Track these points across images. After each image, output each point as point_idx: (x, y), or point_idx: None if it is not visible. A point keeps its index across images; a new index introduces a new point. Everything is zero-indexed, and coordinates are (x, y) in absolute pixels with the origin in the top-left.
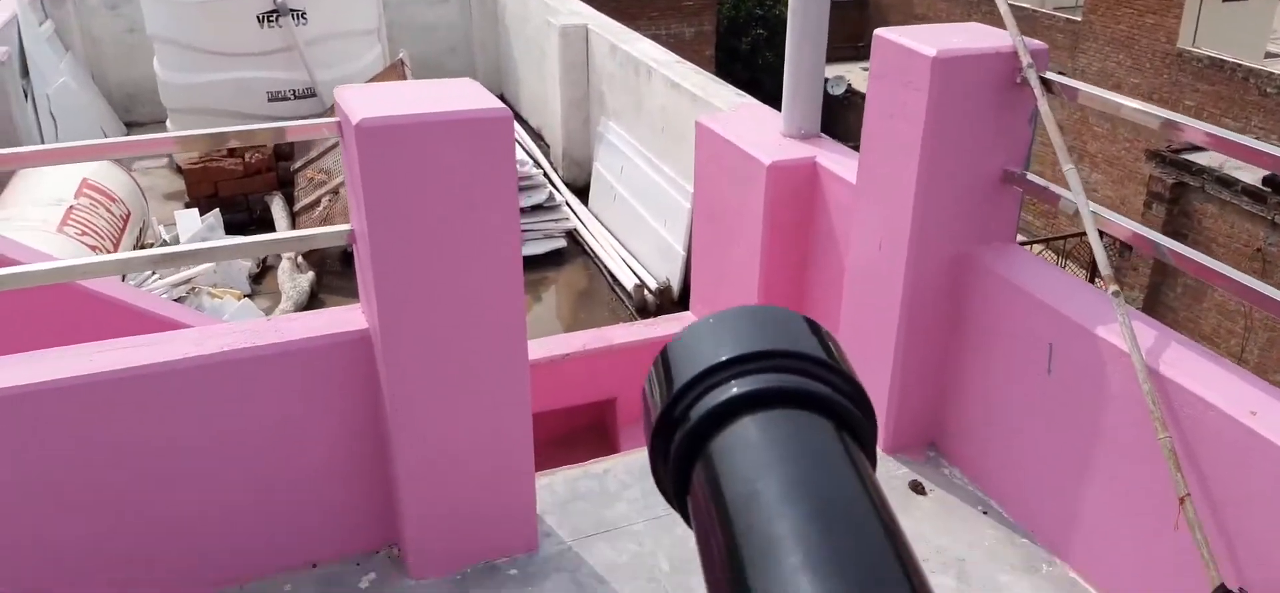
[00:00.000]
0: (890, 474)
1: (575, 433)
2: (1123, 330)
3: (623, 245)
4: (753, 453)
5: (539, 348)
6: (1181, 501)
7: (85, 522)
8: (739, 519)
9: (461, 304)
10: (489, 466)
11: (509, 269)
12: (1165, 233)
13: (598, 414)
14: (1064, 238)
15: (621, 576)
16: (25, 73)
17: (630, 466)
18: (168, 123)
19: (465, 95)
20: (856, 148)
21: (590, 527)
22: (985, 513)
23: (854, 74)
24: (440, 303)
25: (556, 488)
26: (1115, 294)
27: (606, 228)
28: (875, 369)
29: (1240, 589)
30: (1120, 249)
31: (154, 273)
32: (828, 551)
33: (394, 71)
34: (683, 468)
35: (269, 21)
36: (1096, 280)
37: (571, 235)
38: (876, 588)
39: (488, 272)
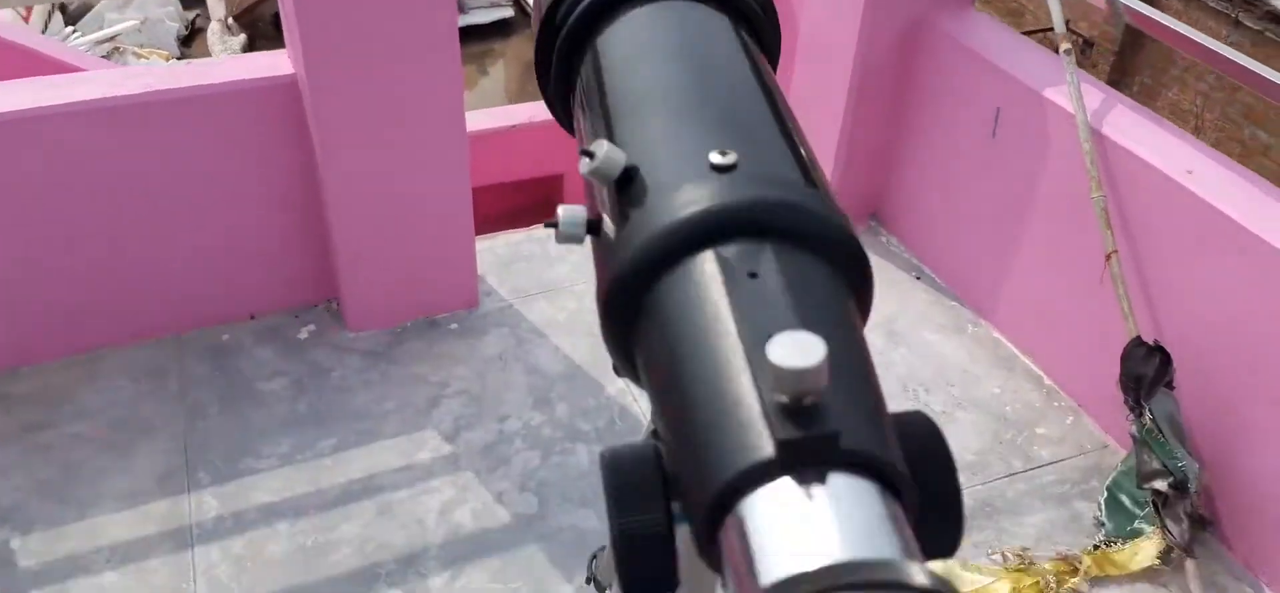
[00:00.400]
0: None
1: (520, 209)
2: (1070, 91)
3: None
4: (637, 34)
5: (484, 119)
6: (1108, 256)
7: (13, 267)
8: (616, 86)
9: (389, 47)
10: (427, 221)
11: (440, 11)
12: (1130, 27)
13: (544, 190)
14: (1030, 33)
15: (560, 330)
16: None
17: None
18: None
19: None
20: None
21: (531, 286)
22: (918, 279)
23: None
24: (366, 45)
25: (498, 250)
26: (1066, 52)
27: None
28: (822, 139)
29: (1155, 341)
30: (1082, 45)
31: (75, 29)
32: (707, 107)
33: None
34: (567, 69)
35: None
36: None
37: (519, 4)
38: (751, 139)
39: (416, 12)
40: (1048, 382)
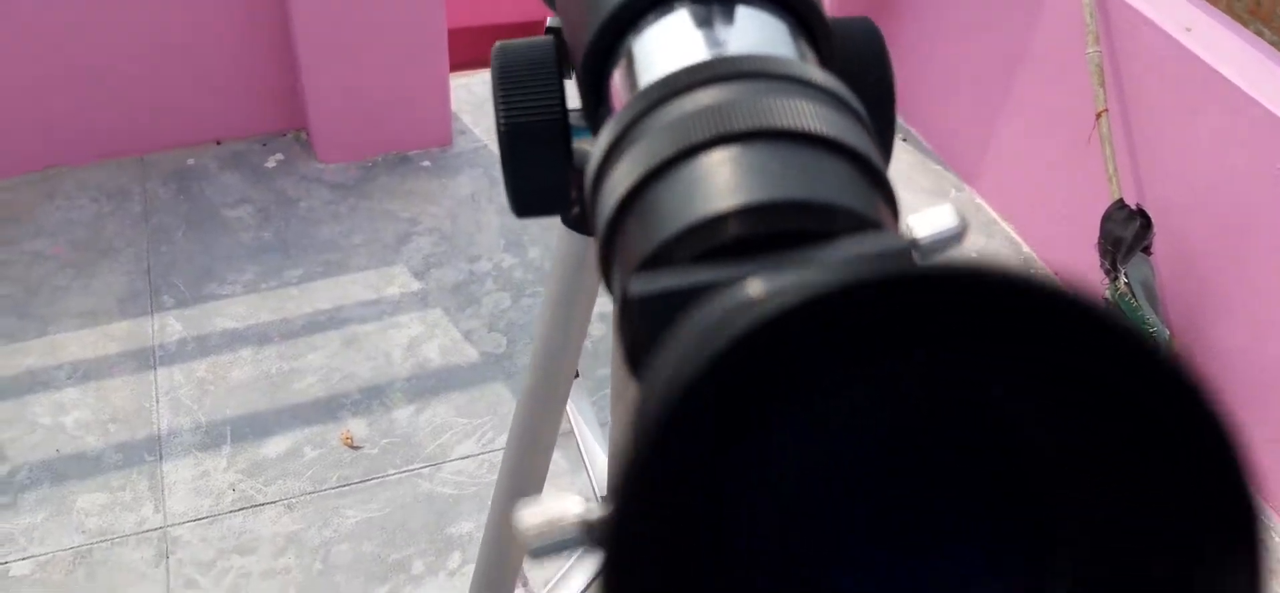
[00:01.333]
0: None
1: None
2: None
3: None
4: None
5: None
6: (1098, 115)
7: None
8: None
9: None
10: (399, 52)
11: None
12: None
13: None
14: None
15: None
16: None
17: None
18: None
19: None
20: None
21: None
22: (904, 140)
23: None
24: None
25: (474, 88)
26: None
27: None
28: None
29: (1137, 205)
30: None
31: None
32: None
33: None
34: None
35: None
36: None
37: None
38: None
39: None
40: (1026, 249)
